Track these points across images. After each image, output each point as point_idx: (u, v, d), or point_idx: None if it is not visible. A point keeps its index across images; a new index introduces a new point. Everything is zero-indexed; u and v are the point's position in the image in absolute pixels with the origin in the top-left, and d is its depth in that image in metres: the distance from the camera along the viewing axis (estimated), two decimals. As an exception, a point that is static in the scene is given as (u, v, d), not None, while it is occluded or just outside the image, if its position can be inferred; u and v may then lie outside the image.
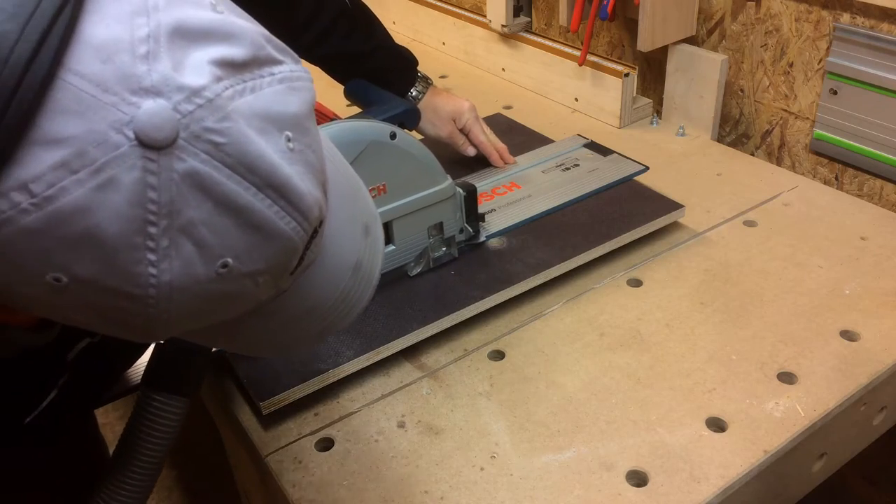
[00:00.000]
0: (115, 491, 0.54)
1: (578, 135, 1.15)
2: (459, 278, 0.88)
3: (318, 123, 0.85)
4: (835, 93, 1.06)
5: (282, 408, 0.75)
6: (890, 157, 1.03)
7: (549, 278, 0.90)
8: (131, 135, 0.29)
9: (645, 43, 1.17)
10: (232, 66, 0.32)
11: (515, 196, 1.01)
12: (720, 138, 1.26)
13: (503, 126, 1.21)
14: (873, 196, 1.08)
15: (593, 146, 1.12)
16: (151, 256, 0.31)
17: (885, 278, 0.90)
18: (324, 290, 0.42)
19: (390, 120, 0.84)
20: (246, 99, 0.32)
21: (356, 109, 0.97)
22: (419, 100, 1.03)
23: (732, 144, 1.25)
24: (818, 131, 1.11)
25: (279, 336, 0.44)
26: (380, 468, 0.71)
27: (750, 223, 1.01)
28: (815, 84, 1.10)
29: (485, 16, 1.45)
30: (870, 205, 1.04)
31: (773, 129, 1.19)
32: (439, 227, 0.89)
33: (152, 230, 0.30)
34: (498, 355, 0.83)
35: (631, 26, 1.28)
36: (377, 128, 0.80)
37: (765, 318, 0.85)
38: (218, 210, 0.32)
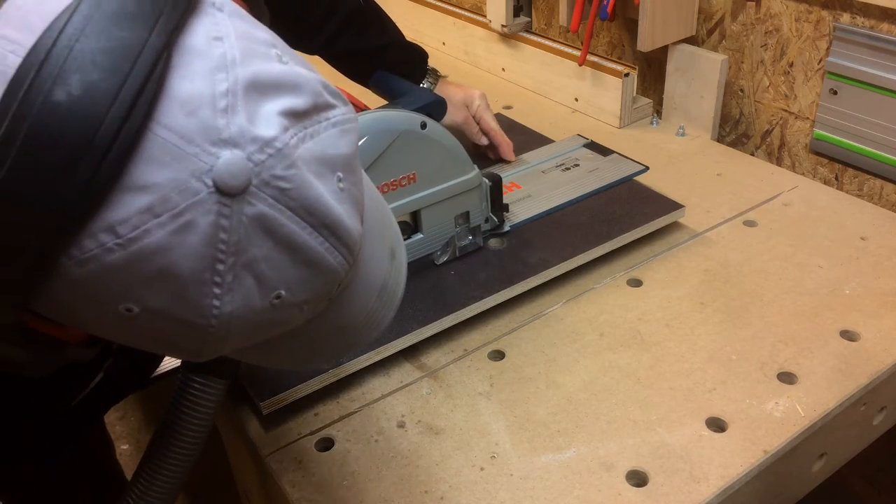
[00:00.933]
0: (154, 474, 0.55)
1: (578, 135, 1.15)
2: (459, 278, 0.88)
3: None
4: (835, 93, 1.06)
5: (282, 408, 0.75)
6: (890, 157, 1.03)
7: (549, 278, 0.90)
8: (210, 183, 0.32)
9: (645, 43, 1.17)
10: (296, 116, 0.35)
11: (515, 196, 1.01)
12: (720, 138, 1.26)
13: (503, 126, 1.20)
14: (873, 196, 1.08)
15: (593, 146, 1.12)
16: (217, 290, 0.34)
17: (885, 278, 0.90)
18: (353, 312, 0.44)
19: (419, 111, 0.85)
20: (307, 145, 0.35)
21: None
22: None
23: (732, 144, 1.25)
24: (818, 131, 1.11)
25: (304, 353, 0.46)
26: (380, 468, 0.71)
27: (750, 223, 1.01)
28: (815, 84, 1.10)
29: (485, 16, 1.45)
30: (870, 205, 1.04)
31: (773, 129, 1.19)
32: (466, 216, 0.91)
33: (220, 267, 0.33)
34: (498, 355, 0.83)
35: (631, 26, 1.28)
36: (408, 118, 0.82)
37: (765, 318, 0.85)
38: (278, 248, 0.34)
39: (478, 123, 1.08)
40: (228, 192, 0.32)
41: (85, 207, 0.30)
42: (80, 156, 0.30)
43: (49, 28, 0.30)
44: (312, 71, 0.38)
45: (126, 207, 0.31)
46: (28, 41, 0.30)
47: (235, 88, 0.33)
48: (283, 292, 0.36)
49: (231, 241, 0.33)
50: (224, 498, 1.28)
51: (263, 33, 0.36)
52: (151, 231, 0.31)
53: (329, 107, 0.37)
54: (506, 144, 1.09)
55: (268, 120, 0.33)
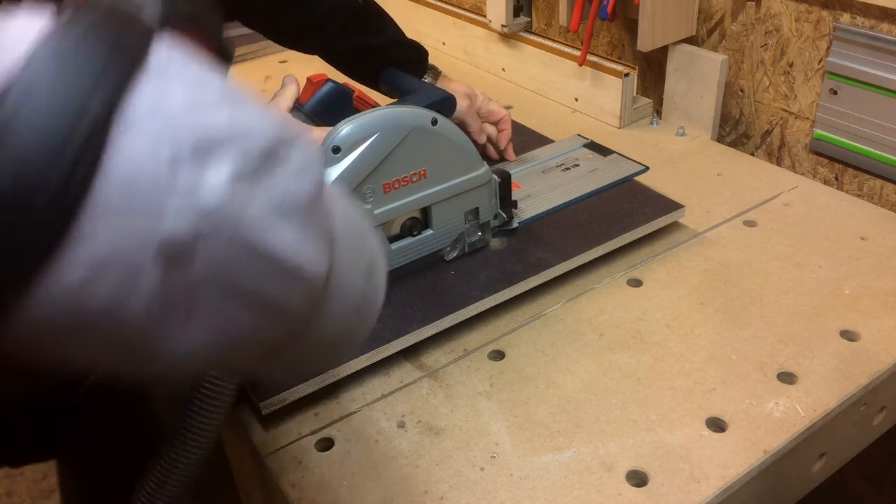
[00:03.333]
0: (166, 474, 0.56)
1: (578, 135, 1.15)
2: (459, 278, 0.88)
3: (360, 111, 0.86)
4: (835, 93, 1.06)
5: (282, 408, 0.75)
6: (890, 157, 1.03)
7: (549, 278, 0.90)
8: (153, 253, 0.31)
9: (645, 43, 1.17)
10: (250, 171, 0.33)
11: (515, 196, 1.01)
12: (720, 138, 1.26)
13: (503, 126, 1.21)
14: (873, 196, 1.08)
15: (593, 146, 1.12)
16: (170, 334, 0.33)
17: (885, 278, 0.90)
18: (329, 331, 0.43)
19: (429, 107, 0.85)
20: (260, 199, 0.34)
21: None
22: None
23: (732, 144, 1.25)
24: (818, 131, 1.11)
25: (280, 371, 0.47)
26: (380, 468, 0.71)
27: (750, 223, 1.01)
28: (815, 84, 1.10)
29: (485, 16, 1.45)
30: (870, 205, 1.04)
31: (773, 129, 1.19)
32: (475, 212, 0.91)
33: (172, 320, 0.33)
34: (498, 355, 0.83)
35: (631, 26, 1.28)
36: (419, 114, 0.82)
37: (765, 318, 0.85)
38: (231, 299, 0.34)
39: (486, 116, 1.08)
40: (172, 260, 0.31)
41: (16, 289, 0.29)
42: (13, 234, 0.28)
43: None
44: (267, 113, 0.36)
45: (64, 278, 0.30)
46: None
47: (179, 155, 0.31)
48: (239, 334, 0.35)
49: (179, 298, 0.32)
50: (224, 498, 1.28)
51: (214, 81, 0.35)
52: (97, 294, 0.30)
53: (286, 151, 0.35)
54: (509, 128, 1.09)
55: (214, 184, 0.32)
